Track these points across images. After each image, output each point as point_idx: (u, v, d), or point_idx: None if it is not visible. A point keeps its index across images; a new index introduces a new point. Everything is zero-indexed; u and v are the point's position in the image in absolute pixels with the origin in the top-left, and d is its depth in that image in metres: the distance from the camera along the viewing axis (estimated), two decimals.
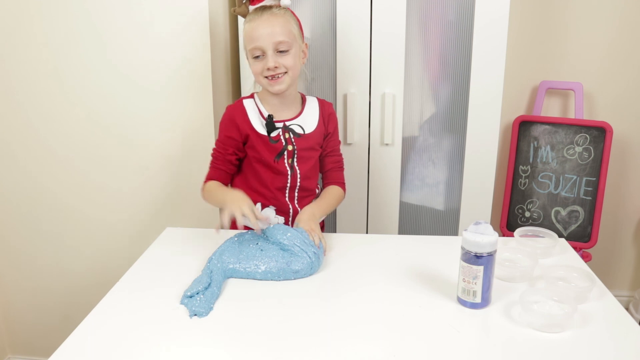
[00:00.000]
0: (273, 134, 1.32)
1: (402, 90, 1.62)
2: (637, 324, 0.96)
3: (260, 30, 1.24)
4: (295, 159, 1.34)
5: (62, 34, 1.58)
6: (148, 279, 1.14)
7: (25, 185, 1.73)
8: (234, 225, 1.36)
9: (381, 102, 1.62)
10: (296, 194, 1.37)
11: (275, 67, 1.25)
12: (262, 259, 1.13)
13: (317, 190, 1.42)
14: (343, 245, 1.28)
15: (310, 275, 1.14)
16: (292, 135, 1.33)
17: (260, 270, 1.12)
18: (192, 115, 1.62)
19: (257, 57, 1.26)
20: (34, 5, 1.56)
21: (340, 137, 1.65)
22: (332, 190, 1.41)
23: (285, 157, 1.33)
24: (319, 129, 1.37)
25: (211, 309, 1.01)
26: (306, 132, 1.34)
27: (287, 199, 1.37)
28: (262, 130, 1.32)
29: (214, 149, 1.37)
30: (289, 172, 1.34)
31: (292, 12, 1.31)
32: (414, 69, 1.63)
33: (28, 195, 1.74)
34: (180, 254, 1.22)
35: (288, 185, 1.35)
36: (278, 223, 1.25)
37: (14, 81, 1.64)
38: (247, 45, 1.27)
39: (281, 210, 1.38)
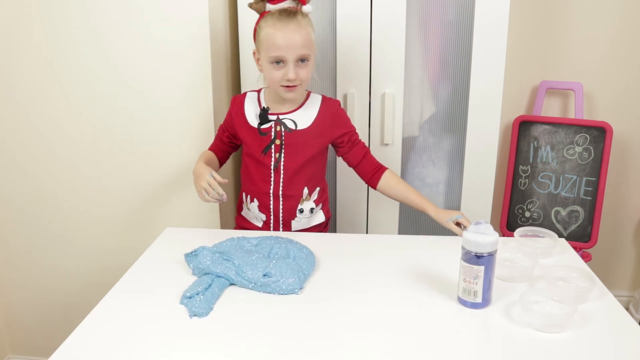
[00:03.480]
0: (264, 126, 1.34)
1: (402, 90, 1.62)
2: (637, 324, 0.96)
3: (287, 41, 1.24)
4: (282, 154, 1.34)
5: (62, 34, 1.58)
6: (148, 279, 1.14)
7: (25, 185, 1.73)
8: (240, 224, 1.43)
9: (381, 102, 1.62)
10: (280, 192, 1.37)
11: (294, 78, 1.27)
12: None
13: (304, 193, 1.38)
14: (343, 245, 1.28)
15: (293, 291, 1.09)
16: (283, 129, 1.34)
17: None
18: (192, 115, 1.62)
19: (276, 63, 1.27)
20: (33, 6, 1.56)
21: None
22: (401, 181, 1.41)
23: (272, 151, 1.35)
24: (315, 126, 1.35)
25: (211, 309, 1.01)
26: (299, 128, 1.34)
27: (270, 195, 1.37)
28: (254, 122, 1.36)
29: (220, 126, 1.46)
30: (273, 167, 1.35)
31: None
32: (414, 69, 1.63)
33: (28, 196, 1.74)
34: (180, 254, 1.22)
35: (272, 180, 1.36)
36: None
37: (13, 82, 1.63)
38: (268, 50, 1.27)
39: (263, 206, 1.39)
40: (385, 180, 1.40)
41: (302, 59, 1.27)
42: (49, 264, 1.80)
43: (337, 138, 1.39)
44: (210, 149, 1.46)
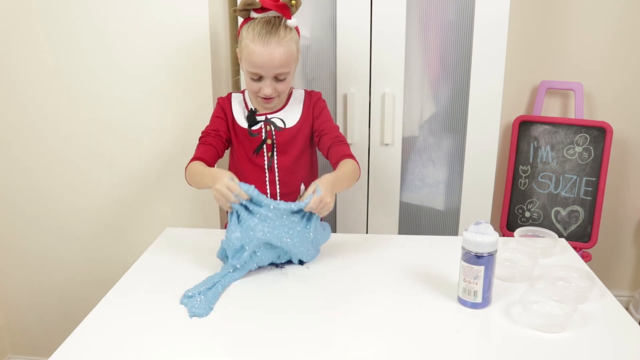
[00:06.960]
0: (254, 128, 1.35)
1: (402, 90, 1.62)
2: (637, 324, 0.96)
3: (264, 60, 1.23)
4: (274, 153, 1.35)
5: (63, 32, 1.58)
6: (148, 279, 1.14)
7: (26, 184, 1.73)
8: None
9: (381, 102, 1.62)
10: (278, 191, 1.37)
11: (270, 95, 1.27)
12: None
13: (301, 189, 1.38)
14: (343, 245, 1.28)
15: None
16: (273, 128, 1.34)
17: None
18: (193, 113, 1.62)
19: (253, 78, 1.27)
20: (35, 4, 1.56)
21: None
22: (347, 163, 1.26)
23: (265, 150, 1.35)
24: (302, 122, 1.36)
25: (211, 309, 1.01)
26: (287, 126, 1.35)
27: (268, 195, 1.36)
28: (244, 123, 1.35)
29: (203, 132, 1.37)
30: (267, 166, 1.35)
31: (296, 28, 1.29)
32: (414, 69, 1.63)
33: (29, 195, 1.74)
34: (180, 254, 1.22)
35: (267, 179, 1.36)
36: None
37: (15, 80, 1.63)
38: (246, 64, 1.26)
39: None
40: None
41: (280, 78, 1.27)
42: (50, 263, 1.80)
43: (313, 125, 1.37)
44: (200, 157, 1.30)
